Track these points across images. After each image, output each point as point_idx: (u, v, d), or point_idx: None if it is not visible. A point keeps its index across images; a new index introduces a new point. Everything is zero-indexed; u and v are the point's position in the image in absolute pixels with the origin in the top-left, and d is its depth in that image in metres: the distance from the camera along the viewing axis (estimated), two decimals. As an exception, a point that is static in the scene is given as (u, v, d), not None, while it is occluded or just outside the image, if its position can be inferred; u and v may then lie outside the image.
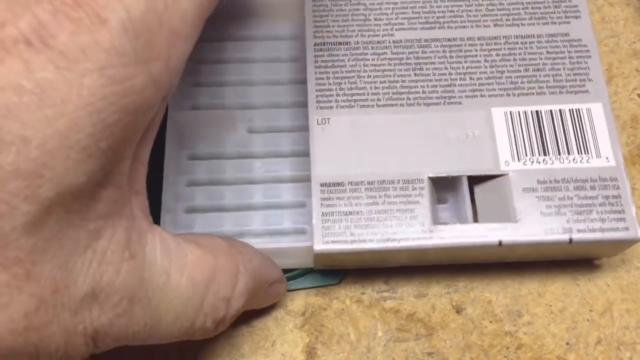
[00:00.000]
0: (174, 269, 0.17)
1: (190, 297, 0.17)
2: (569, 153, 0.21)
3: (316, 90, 0.23)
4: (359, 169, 0.21)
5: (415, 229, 0.21)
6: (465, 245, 0.21)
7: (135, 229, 0.16)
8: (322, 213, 0.21)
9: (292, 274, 0.23)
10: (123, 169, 0.15)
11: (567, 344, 0.22)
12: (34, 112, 0.13)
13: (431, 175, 0.21)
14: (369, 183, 0.21)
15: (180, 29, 0.15)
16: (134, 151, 0.16)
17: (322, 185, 0.21)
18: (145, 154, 0.17)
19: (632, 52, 0.27)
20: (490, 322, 0.23)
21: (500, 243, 0.20)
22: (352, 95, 0.23)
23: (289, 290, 0.23)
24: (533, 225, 0.21)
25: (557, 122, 0.22)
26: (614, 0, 0.28)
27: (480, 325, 0.23)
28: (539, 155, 0.21)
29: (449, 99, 0.22)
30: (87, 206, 0.14)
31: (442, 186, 0.22)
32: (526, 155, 0.21)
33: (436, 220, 0.21)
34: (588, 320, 0.23)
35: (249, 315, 0.23)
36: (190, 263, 0.17)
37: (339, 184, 0.21)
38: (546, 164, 0.21)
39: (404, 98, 0.22)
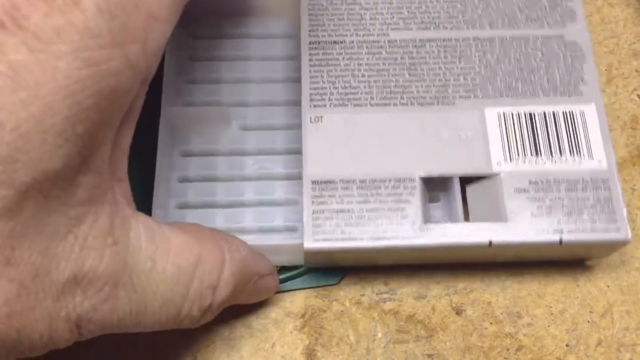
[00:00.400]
0: (159, 255, 0.17)
1: (176, 283, 0.17)
2: (561, 154, 0.21)
3: (310, 89, 0.23)
4: (351, 167, 0.21)
5: (405, 228, 0.21)
6: (456, 245, 0.21)
7: (118, 214, 0.16)
8: (313, 211, 0.21)
9: (290, 274, 0.23)
10: (102, 155, 0.15)
11: (567, 345, 0.22)
12: (7, 95, 0.13)
13: (423, 175, 0.21)
14: (360, 181, 0.21)
15: (157, 12, 0.14)
16: (115, 137, 0.15)
17: (313, 183, 0.21)
18: (125, 140, 0.16)
19: (632, 53, 0.27)
20: (490, 323, 0.23)
21: (490, 243, 0.21)
22: (346, 94, 0.23)
23: (287, 291, 0.23)
24: (524, 225, 0.21)
25: (550, 123, 0.22)
26: (613, 1, 0.28)
27: (480, 327, 0.23)
28: (531, 156, 0.22)
29: (443, 99, 0.22)
30: (65, 191, 0.14)
31: (434, 185, 0.22)
32: (518, 156, 0.22)
33: (427, 219, 0.21)
34: (588, 321, 0.23)
35: (248, 317, 0.23)
36: (175, 249, 0.17)
37: (330, 182, 0.21)
38: (538, 165, 0.21)
39: (397, 97, 0.23)
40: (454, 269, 0.23)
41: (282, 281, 0.23)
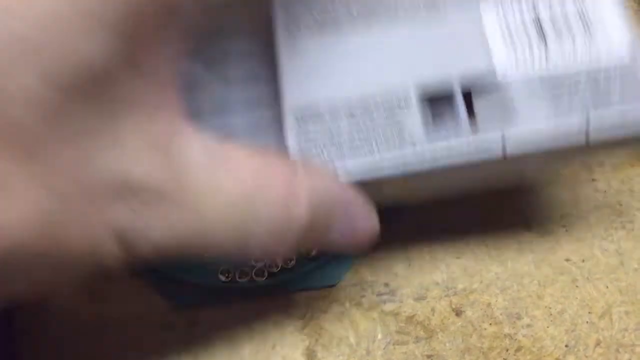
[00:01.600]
0: (221, 173, 0.14)
1: (242, 204, 0.15)
2: (574, 43, 0.18)
3: (283, 9, 0.19)
4: (337, 92, 0.18)
5: (405, 152, 0.18)
6: (465, 162, 0.18)
7: (169, 125, 0.14)
8: (300, 148, 0.18)
9: (289, 276, 0.23)
10: (154, 57, 0.13)
11: (566, 346, 0.22)
12: None
13: (418, 90, 0.18)
14: (349, 107, 0.18)
15: None
16: (171, 40, 0.14)
17: (297, 118, 0.18)
18: (182, 45, 0.14)
19: (630, 55, 0.27)
20: (490, 324, 0.23)
21: (504, 152, 0.18)
22: (323, 12, 0.19)
23: (289, 291, 0.23)
24: (541, 128, 0.18)
25: (555, 4, 0.19)
26: (611, 3, 0.28)
27: (479, 328, 0.23)
28: (540, 50, 0.18)
29: (432, 4, 0.19)
30: (108, 91, 0.12)
31: (434, 102, 0.19)
32: (525, 54, 0.18)
33: (429, 139, 0.18)
34: (587, 322, 0.23)
35: (248, 318, 0.23)
36: (240, 168, 0.15)
37: (316, 115, 0.18)
38: (549, 61, 0.18)
39: (381, 10, 0.19)
40: (452, 270, 0.23)
41: (281, 282, 0.23)
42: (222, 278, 0.23)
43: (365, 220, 0.17)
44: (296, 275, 0.23)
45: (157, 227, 0.14)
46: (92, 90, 0.12)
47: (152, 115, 0.13)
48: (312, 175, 0.16)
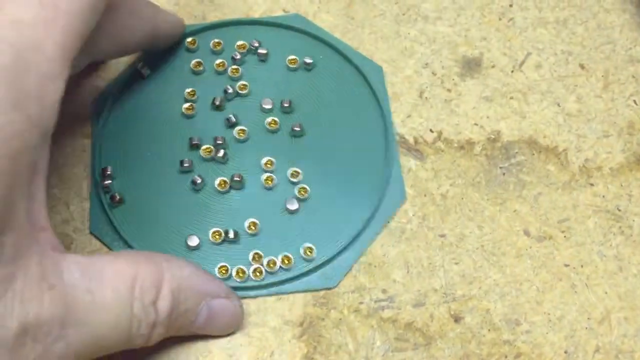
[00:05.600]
0: (96, 285, 0.17)
1: (118, 306, 0.18)
2: None
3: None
4: None
5: None
6: None
7: (47, 261, 0.17)
8: None
9: (288, 277, 0.23)
10: (20, 212, 0.16)
11: (565, 352, 0.22)
12: None
13: None
14: None
15: (49, 71, 0.16)
16: (29, 192, 0.16)
17: None
18: (40, 191, 0.18)
19: (628, 59, 0.27)
20: (489, 330, 0.23)
21: None
22: None
23: (288, 293, 0.23)
24: None
25: None
26: (609, 7, 0.28)
27: (478, 334, 0.23)
28: None
29: None
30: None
31: None
32: None
33: None
34: (586, 328, 0.23)
35: (246, 326, 0.23)
36: (111, 276, 0.18)
37: None
38: None
39: None
40: (452, 276, 0.23)
41: (280, 283, 0.23)
42: (219, 276, 0.23)
43: (227, 307, 0.21)
44: (293, 277, 0.23)
45: (60, 349, 0.16)
46: None
47: (32, 257, 0.16)
48: (174, 270, 0.19)
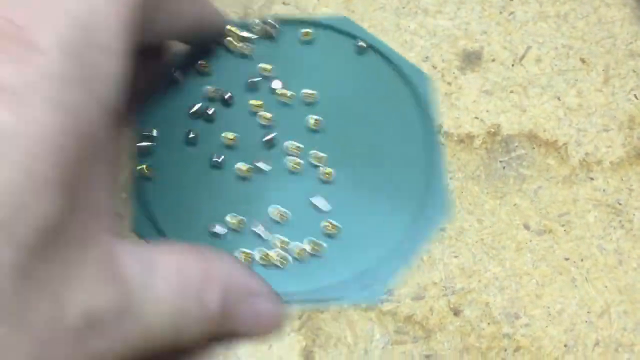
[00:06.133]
0: (150, 277, 0.17)
1: (170, 300, 0.17)
2: None
3: None
4: None
5: None
6: None
7: (109, 249, 0.16)
8: None
9: (328, 285, 0.23)
10: (89, 194, 0.15)
11: (565, 345, 0.22)
12: None
13: None
14: None
15: (111, 46, 0.15)
16: (96, 174, 0.16)
17: None
18: (107, 175, 0.17)
19: (628, 53, 0.27)
20: (488, 324, 0.23)
21: None
22: None
23: (332, 301, 0.23)
24: None
25: None
26: (610, 1, 0.28)
27: (478, 328, 0.22)
28: None
29: None
30: (63, 239, 0.14)
31: None
32: None
33: None
34: (586, 322, 0.23)
35: (245, 319, 0.22)
36: (163, 268, 0.17)
37: None
38: None
39: None
40: (451, 269, 0.23)
41: (323, 292, 0.23)
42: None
43: (269, 309, 0.21)
44: (335, 286, 0.23)
45: (119, 341, 0.16)
46: (49, 243, 0.14)
47: (96, 245, 0.15)
48: (222, 265, 0.19)
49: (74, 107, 0.14)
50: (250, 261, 0.23)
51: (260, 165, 0.24)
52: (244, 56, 0.26)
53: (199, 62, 0.26)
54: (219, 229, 0.23)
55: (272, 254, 0.23)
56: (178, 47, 0.26)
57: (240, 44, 0.26)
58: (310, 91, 0.25)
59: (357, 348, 0.22)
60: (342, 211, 0.24)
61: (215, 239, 0.23)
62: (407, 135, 0.25)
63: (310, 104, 0.25)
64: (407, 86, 0.26)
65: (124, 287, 0.16)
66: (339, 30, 0.27)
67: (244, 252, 0.23)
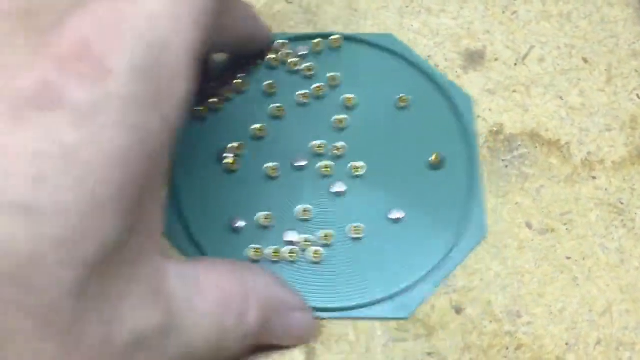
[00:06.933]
0: (194, 296, 0.17)
1: (211, 318, 0.17)
2: None
3: None
4: None
5: None
6: None
7: (157, 267, 0.16)
8: None
9: (358, 304, 0.23)
10: (147, 214, 0.15)
11: (566, 344, 0.22)
12: (63, 177, 0.13)
13: None
14: None
15: (178, 68, 0.15)
16: (157, 194, 0.16)
17: None
18: (160, 194, 0.17)
19: (631, 53, 0.27)
20: (490, 322, 0.23)
21: None
22: None
23: (359, 319, 0.23)
24: None
25: None
26: (613, 1, 0.28)
27: (479, 326, 0.23)
28: None
29: None
30: (119, 257, 0.14)
31: None
32: None
33: None
34: (588, 320, 0.23)
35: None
36: (204, 286, 0.18)
37: None
38: None
39: None
40: (453, 267, 0.23)
41: (352, 309, 0.23)
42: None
43: (301, 320, 0.21)
44: (364, 304, 0.23)
45: (162, 356, 0.16)
46: (107, 262, 0.14)
47: (147, 264, 0.16)
48: (257, 283, 0.19)
49: (141, 129, 0.14)
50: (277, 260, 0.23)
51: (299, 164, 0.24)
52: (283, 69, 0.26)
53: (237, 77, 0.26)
54: (241, 223, 0.23)
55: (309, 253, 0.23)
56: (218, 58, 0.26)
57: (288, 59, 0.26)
58: (349, 96, 0.25)
59: (358, 345, 0.22)
60: (378, 230, 0.24)
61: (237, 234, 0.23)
62: (448, 156, 0.25)
63: (349, 109, 0.25)
64: (449, 106, 0.26)
65: (169, 305, 0.16)
66: (384, 48, 0.27)
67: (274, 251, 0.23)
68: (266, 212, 0.23)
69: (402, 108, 0.26)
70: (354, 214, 0.24)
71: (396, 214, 0.24)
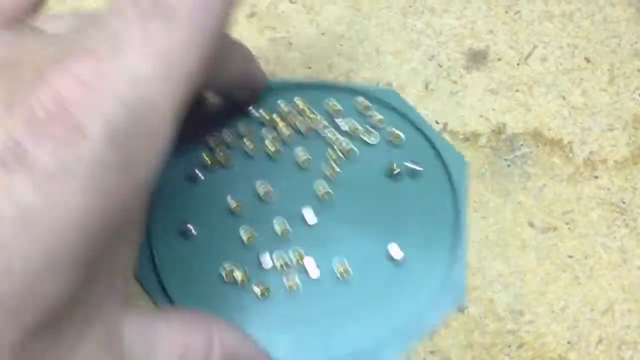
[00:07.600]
0: (150, 351, 0.17)
1: None
2: None
3: None
4: None
5: None
6: None
7: (112, 321, 0.16)
8: None
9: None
10: (106, 271, 0.15)
11: (568, 342, 0.22)
12: (17, 238, 0.12)
13: None
14: None
15: (158, 129, 0.14)
16: (118, 251, 0.15)
17: None
18: (128, 250, 0.16)
19: (633, 52, 0.27)
20: (492, 321, 0.23)
21: None
22: None
23: None
24: None
25: None
26: (615, 1, 0.28)
27: (482, 324, 0.23)
28: None
29: None
30: (68, 318, 0.14)
31: None
32: None
33: None
34: (589, 319, 0.23)
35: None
36: (163, 342, 0.17)
37: None
38: None
39: None
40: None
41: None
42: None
43: None
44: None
45: None
46: (55, 321, 0.13)
47: (101, 320, 0.15)
48: (224, 339, 0.18)
49: (107, 192, 0.13)
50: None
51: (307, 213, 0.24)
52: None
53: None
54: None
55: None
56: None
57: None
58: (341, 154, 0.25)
59: (362, 343, 0.22)
60: (363, 281, 0.23)
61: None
62: (436, 215, 0.24)
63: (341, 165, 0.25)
64: (444, 168, 0.25)
65: (124, 357, 0.16)
66: (385, 103, 0.26)
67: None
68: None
69: (395, 165, 0.25)
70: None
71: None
